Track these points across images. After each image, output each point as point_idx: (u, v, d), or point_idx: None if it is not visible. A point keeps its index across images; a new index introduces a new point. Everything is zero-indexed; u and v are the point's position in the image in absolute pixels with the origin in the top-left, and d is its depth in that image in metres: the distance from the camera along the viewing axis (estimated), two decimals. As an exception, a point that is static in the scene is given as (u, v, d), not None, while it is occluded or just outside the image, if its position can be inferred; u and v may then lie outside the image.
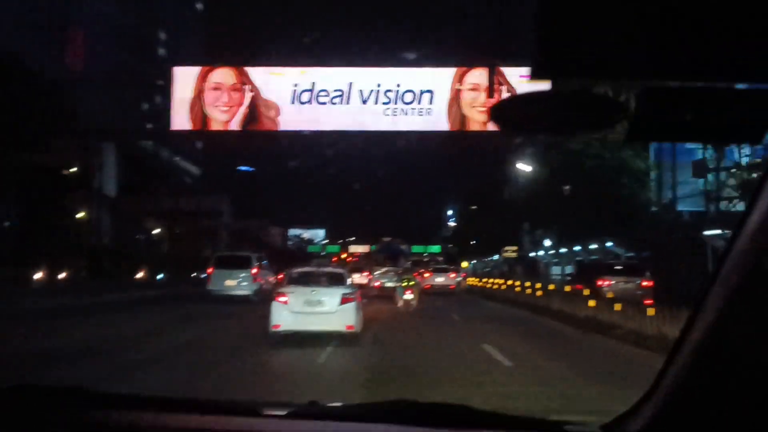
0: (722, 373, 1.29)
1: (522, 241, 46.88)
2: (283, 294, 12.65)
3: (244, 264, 25.21)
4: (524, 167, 35.39)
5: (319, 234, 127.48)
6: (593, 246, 33.38)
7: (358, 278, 30.49)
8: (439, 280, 36.73)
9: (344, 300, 12.56)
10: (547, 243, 42.40)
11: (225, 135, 31.68)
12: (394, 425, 1.84)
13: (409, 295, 22.22)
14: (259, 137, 33.42)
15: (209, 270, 23.36)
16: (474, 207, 57.77)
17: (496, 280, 35.94)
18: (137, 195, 49.08)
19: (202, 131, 31.15)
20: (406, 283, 22.73)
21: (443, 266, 44.96)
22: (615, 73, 1.16)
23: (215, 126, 29.60)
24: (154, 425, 1.77)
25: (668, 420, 1.39)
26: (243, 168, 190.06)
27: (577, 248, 36.60)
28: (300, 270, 14.46)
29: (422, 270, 38.61)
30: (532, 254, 47.30)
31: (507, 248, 46.14)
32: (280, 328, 12.26)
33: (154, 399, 2.01)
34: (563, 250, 39.59)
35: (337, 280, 13.43)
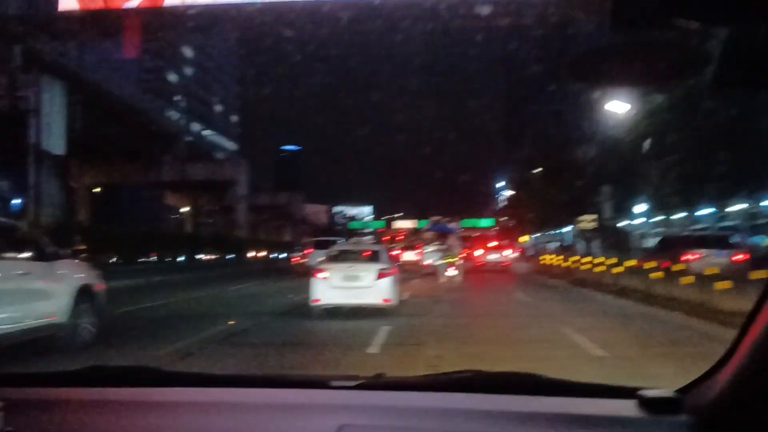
0: None
1: (602, 209, 37.53)
2: (322, 270, 13.25)
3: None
4: (617, 108, 26.32)
5: (364, 211, 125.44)
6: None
7: (409, 256, 35.36)
8: (493, 256, 35.94)
9: (381, 275, 13.16)
10: (640, 210, 33.08)
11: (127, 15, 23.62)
12: (461, 394, 1.86)
13: (452, 272, 22.02)
14: (182, 16, 24.92)
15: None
16: (537, 170, 48.29)
17: (557, 259, 31.72)
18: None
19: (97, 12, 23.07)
20: (449, 260, 22.40)
21: (497, 242, 43.24)
22: (697, 16, 1.15)
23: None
24: (227, 401, 1.82)
25: (745, 385, 1.37)
26: (288, 147, 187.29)
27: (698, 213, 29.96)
28: (339, 248, 15.64)
29: (473, 246, 38.17)
30: (619, 223, 37.64)
31: (583, 218, 36.80)
32: (320, 302, 12.90)
33: (225, 376, 2.15)
34: (673, 216, 32.41)
35: (373, 257, 14.03)
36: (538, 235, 68.17)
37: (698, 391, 1.56)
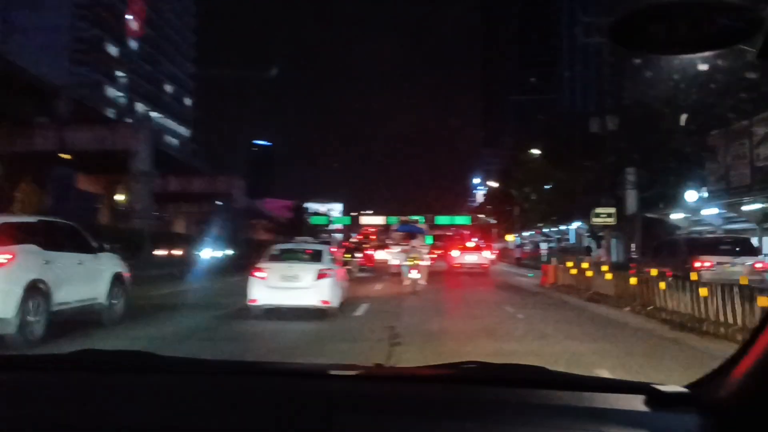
0: None
1: (624, 198, 28.34)
2: (260, 269, 13.14)
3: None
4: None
5: (336, 208, 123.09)
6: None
7: (381, 255, 36.96)
8: (470, 258, 33.67)
9: (320, 275, 12.94)
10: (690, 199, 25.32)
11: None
12: (464, 385, 1.83)
13: (415, 274, 19.67)
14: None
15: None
16: (535, 152, 39.15)
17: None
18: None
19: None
20: (412, 261, 20.18)
21: (474, 242, 41.93)
22: None
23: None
24: (223, 388, 1.79)
25: (759, 382, 1.37)
26: (259, 142, 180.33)
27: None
28: (280, 246, 15.32)
29: (448, 246, 37.13)
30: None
31: (601, 211, 27.56)
32: (257, 303, 12.72)
33: (224, 363, 2.16)
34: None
35: (314, 257, 13.80)
36: (529, 233, 58.31)
37: (710, 387, 1.53)
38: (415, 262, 20.39)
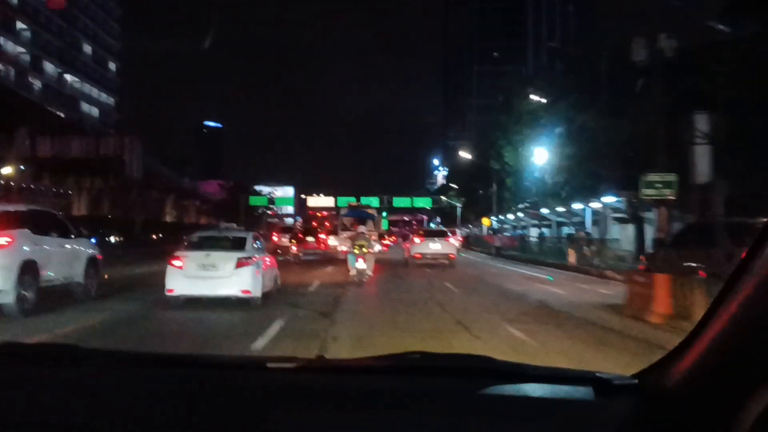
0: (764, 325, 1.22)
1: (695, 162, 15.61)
2: (177, 258, 12.53)
3: None
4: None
5: (287, 191, 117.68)
6: None
7: (333, 241, 34.12)
8: (434, 247, 27.29)
9: (240, 264, 12.34)
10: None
11: None
12: (408, 376, 1.77)
13: (361, 264, 17.93)
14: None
15: None
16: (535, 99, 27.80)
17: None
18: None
19: None
20: (358, 249, 18.08)
21: (437, 228, 38.70)
22: None
23: None
24: (156, 382, 1.75)
25: (703, 372, 1.36)
26: (210, 123, 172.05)
27: None
28: (200, 234, 14.53)
29: (406, 233, 34.35)
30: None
31: (656, 178, 20.98)
32: (174, 293, 12.24)
33: (153, 356, 2.03)
34: None
35: (236, 244, 13.14)
36: (515, 216, 47.56)
37: (656, 376, 1.52)
38: (362, 250, 18.12)
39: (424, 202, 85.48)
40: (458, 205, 75.19)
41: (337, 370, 2.01)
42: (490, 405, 1.58)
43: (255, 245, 13.59)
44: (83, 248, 13.66)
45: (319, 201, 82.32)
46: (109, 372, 1.81)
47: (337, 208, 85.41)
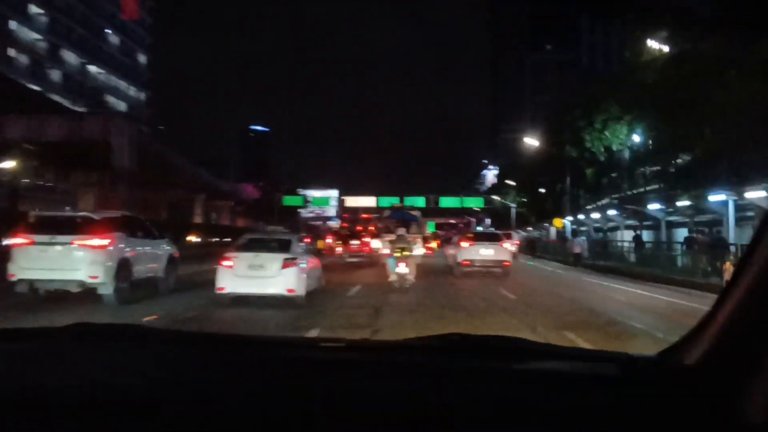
0: None
1: None
2: (227, 258, 13.47)
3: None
4: None
5: (332, 194, 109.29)
6: None
7: (377, 244, 28.60)
8: (485, 252, 23.17)
9: (285, 264, 13.17)
10: None
11: None
12: (447, 356, 1.90)
13: (403, 268, 16.94)
14: None
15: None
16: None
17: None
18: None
19: None
20: (399, 253, 17.17)
21: (488, 231, 33.07)
22: None
23: None
24: (217, 360, 1.88)
25: (726, 347, 1.43)
26: (256, 127, 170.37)
27: None
28: (248, 236, 15.62)
29: (449, 236, 29.64)
30: None
31: None
32: (225, 291, 13.08)
33: (212, 335, 2.21)
34: None
35: (282, 246, 14.03)
36: (601, 216, 39.19)
37: (680, 353, 1.58)
38: (403, 254, 17.13)
39: (475, 203, 77.62)
40: (512, 205, 66.53)
41: (380, 348, 2.18)
42: (520, 379, 1.70)
43: (299, 247, 14.74)
44: (164, 248, 15.93)
45: (359, 201, 74.55)
46: (171, 349, 1.94)
47: (379, 209, 78.21)
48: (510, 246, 33.78)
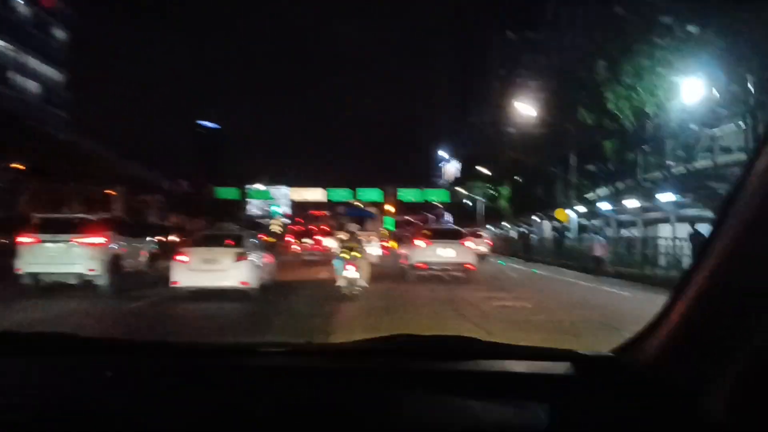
0: (737, 296, 1.29)
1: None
2: (182, 253, 14.44)
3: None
4: None
5: (282, 191, 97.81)
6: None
7: (330, 242, 31.09)
8: (444, 253, 20.13)
9: (238, 258, 14.07)
10: None
11: None
12: (394, 358, 1.86)
13: (351, 272, 14.99)
14: None
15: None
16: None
17: None
18: None
19: None
20: (347, 254, 15.16)
21: (448, 227, 27.23)
22: None
23: None
24: (150, 370, 1.81)
25: (679, 345, 1.42)
26: (206, 123, 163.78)
27: None
28: (203, 232, 17.66)
29: (411, 233, 24.94)
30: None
31: None
32: (179, 284, 13.93)
33: (149, 344, 2.07)
34: None
35: (236, 241, 15.00)
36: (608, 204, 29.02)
37: (633, 352, 1.57)
38: (352, 254, 15.21)
39: (438, 195, 68.49)
40: (480, 199, 56.90)
41: (325, 352, 2.11)
42: (471, 381, 1.68)
43: (252, 242, 15.83)
44: (147, 245, 18.83)
45: (305, 194, 64.00)
46: (104, 360, 1.86)
47: (329, 203, 68.72)
48: (475, 245, 29.01)
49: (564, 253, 33.25)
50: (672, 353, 1.42)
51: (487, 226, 63.52)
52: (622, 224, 34.11)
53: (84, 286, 15.06)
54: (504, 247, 48.75)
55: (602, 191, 36.66)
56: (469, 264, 20.05)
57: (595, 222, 35.92)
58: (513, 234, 54.90)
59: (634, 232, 31.65)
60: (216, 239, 15.12)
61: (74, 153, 59.23)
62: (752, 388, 1.19)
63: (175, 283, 13.84)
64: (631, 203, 30.38)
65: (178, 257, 14.21)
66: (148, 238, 19.32)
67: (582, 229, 36.30)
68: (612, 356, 1.65)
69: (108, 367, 1.75)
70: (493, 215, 62.63)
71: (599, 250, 25.25)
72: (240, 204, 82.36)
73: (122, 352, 1.95)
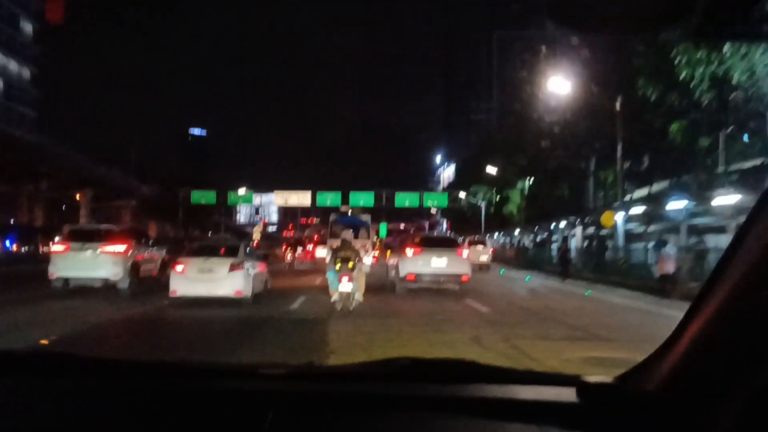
0: (748, 325, 1.28)
1: None
2: (179, 263, 15.11)
3: None
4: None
5: (271, 198, 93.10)
6: None
7: (321, 252, 33.35)
8: (437, 263, 18.64)
9: (233, 268, 14.68)
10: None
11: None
12: (397, 383, 1.85)
13: (346, 285, 13.90)
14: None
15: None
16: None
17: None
18: None
19: None
20: (340, 265, 14.09)
21: (441, 236, 27.64)
22: None
23: None
24: (148, 390, 1.81)
25: (685, 372, 1.42)
26: (195, 131, 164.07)
27: None
28: (199, 243, 17.94)
29: (404, 241, 22.24)
30: None
31: None
32: (177, 294, 14.78)
33: (147, 364, 2.06)
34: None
35: (230, 251, 15.70)
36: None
37: (639, 378, 1.57)
38: (348, 265, 14.12)
39: (437, 199, 61.82)
40: (482, 203, 51.25)
41: (327, 376, 2.07)
42: (475, 407, 1.67)
43: (246, 252, 16.40)
44: (159, 253, 20.90)
45: (292, 198, 57.60)
46: (99, 382, 1.87)
47: (314, 207, 62.93)
48: (478, 254, 29.34)
49: (606, 267, 28.29)
50: (679, 382, 1.41)
51: (494, 234, 58.07)
52: (697, 230, 28.14)
53: (106, 289, 17.62)
54: (517, 258, 43.32)
55: (660, 186, 30.66)
56: (464, 274, 18.83)
57: (653, 227, 30.37)
58: (527, 243, 49.28)
59: (710, 240, 25.95)
60: (211, 249, 16.15)
61: (34, 153, 53.53)
62: (763, 421, 1.19)
63: (173, 292, 14.86)
64: (722, 200, 23.95)
65: (177, 267, 15.24)
66: (158, 247, 21.83)
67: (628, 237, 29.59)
68: (616, 384, 1.63)
69: (103, 390, 1.80)
70: (498, 222, 56.95)
71: (669, 265, 19.73)
72: (219, 210, 76.30)
73: (120, 374, 1.95)
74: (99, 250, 17.08)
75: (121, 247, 17.32)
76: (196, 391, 1.78)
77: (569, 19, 1.27)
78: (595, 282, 25.31)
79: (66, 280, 17.24)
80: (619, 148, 28.30)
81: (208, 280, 14.48)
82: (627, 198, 31.35)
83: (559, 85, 31.46)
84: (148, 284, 18.65)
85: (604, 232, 33.41)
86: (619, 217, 29.39)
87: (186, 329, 11.96)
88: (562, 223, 41.52)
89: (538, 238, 48.74)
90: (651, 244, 25.59)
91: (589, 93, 30.84)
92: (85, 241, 17.23)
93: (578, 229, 38.43)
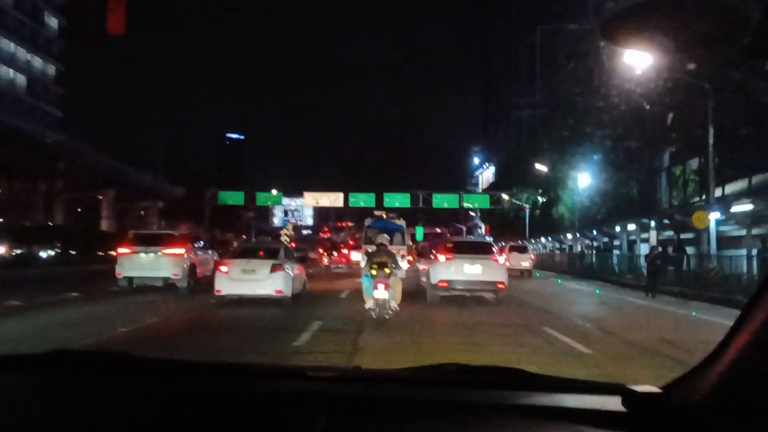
0: None
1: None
2: (224, 264, 16.41)
3: None
4: None
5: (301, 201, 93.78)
6: None
7: (357, 256, 32.48)
8: (470, 270, 17.11)
9: (274, 269, 15.71)
10: None
11: None
12: (443, 388, 1.89)
13: (382, 293, 12.73)
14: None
15: None
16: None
17: None
18: None
19: None
20: (376, 271, 12.92)
21: (476, 241, 26.97)
22: None
23: None
24: (201, 391, 1.88)
25: (732, 383, 1.42)
26: (233, 135, 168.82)
27: None
28: (242, 246, 22.80)
29: (433, 247, 21.46)
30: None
31: None
32: (222, 293, 16.07)
33: (198, 364, 2.17)
34: None
35: (271, 253, 16.72)
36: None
37: (683, 388, 1.57)
38: (384, 271, 12.90)
39: (477, 200, 57.77)
40: (525, 205, 47.24)
41: (374, 380, 2.12)
42: (521, 415, 1.69)
43: (286, 254, 17.46)
44: (211, 255, 23.12)
45: (321, 199, 54.03)
46: (149, 381, 1.96)
47: (347, 208, 59.62)
48: (519, 260, 29.46)
49: (689, 279, 22.92)
50: (725, 393, 1.40)
51: (540, 239, 53.92)
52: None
53: (167, 288, 20.06)
54: (572, 265, 39.16)
55: (763, 177, 25.37)
56: (500, 282, 17.32)
57: (757, 230, 23.79)
58: (582, 248, 44.71)
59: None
60: (254, 251, 17.24)
61: (56, 154, 50.91)
62: None
63: (218, 291, 16.16)
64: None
65: (221, 267, 16.47)
66: (212, 251, 24.77)
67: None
68: (662, 392, 1.64)
69: (151, 389, 1.85)
70: (546, 225, 52.72)
71: None
72: (250, 212, 73.72)
73: (170, 373, 2.02)
74: (161, 252, 19.51)
75: (180, 250, 19.77)
76: (247, 392, 1.81)
77: (622, 38, 1.20)
78: (690, 298, 20.07)
79: (131, 279, 19.55)
80: (711, 131, 22.61)
81: (250, 280, 15.63)
82: (717, 194, 26.11)
83: (635, 58, 22.98)
84: (203, 283, 20.40)
85: (684, 235, 27.72)
86: (712, 217, 23.98)
87: (232, 329, 12.31)
88: (630, 226, 35.37)
89: (596, 243, 42.95)
90: (755, 251, 21.21)
91: (671, 64, 24.34)
92: (148, 245, 19.74)
93: (652, 233, 32.47)
